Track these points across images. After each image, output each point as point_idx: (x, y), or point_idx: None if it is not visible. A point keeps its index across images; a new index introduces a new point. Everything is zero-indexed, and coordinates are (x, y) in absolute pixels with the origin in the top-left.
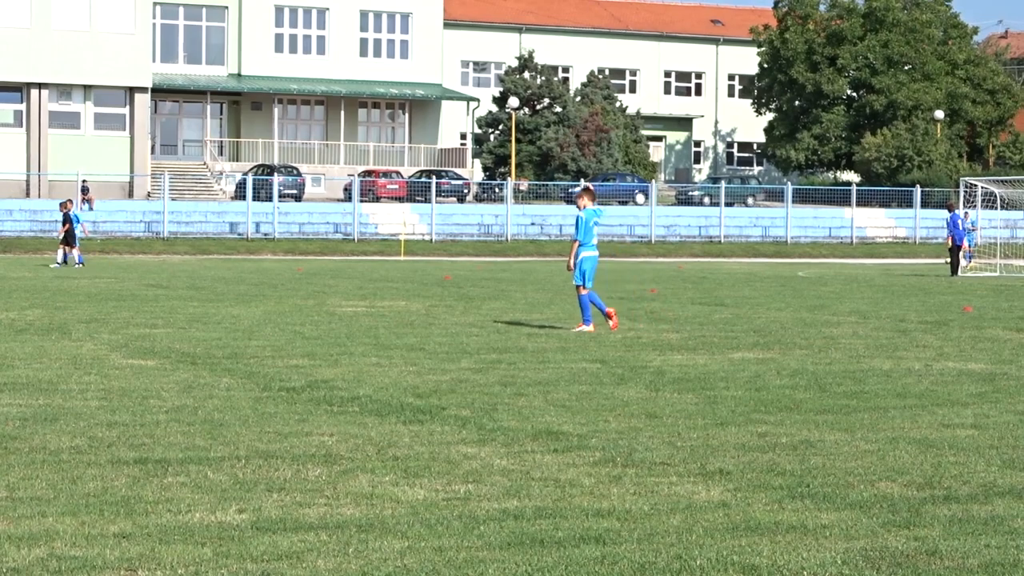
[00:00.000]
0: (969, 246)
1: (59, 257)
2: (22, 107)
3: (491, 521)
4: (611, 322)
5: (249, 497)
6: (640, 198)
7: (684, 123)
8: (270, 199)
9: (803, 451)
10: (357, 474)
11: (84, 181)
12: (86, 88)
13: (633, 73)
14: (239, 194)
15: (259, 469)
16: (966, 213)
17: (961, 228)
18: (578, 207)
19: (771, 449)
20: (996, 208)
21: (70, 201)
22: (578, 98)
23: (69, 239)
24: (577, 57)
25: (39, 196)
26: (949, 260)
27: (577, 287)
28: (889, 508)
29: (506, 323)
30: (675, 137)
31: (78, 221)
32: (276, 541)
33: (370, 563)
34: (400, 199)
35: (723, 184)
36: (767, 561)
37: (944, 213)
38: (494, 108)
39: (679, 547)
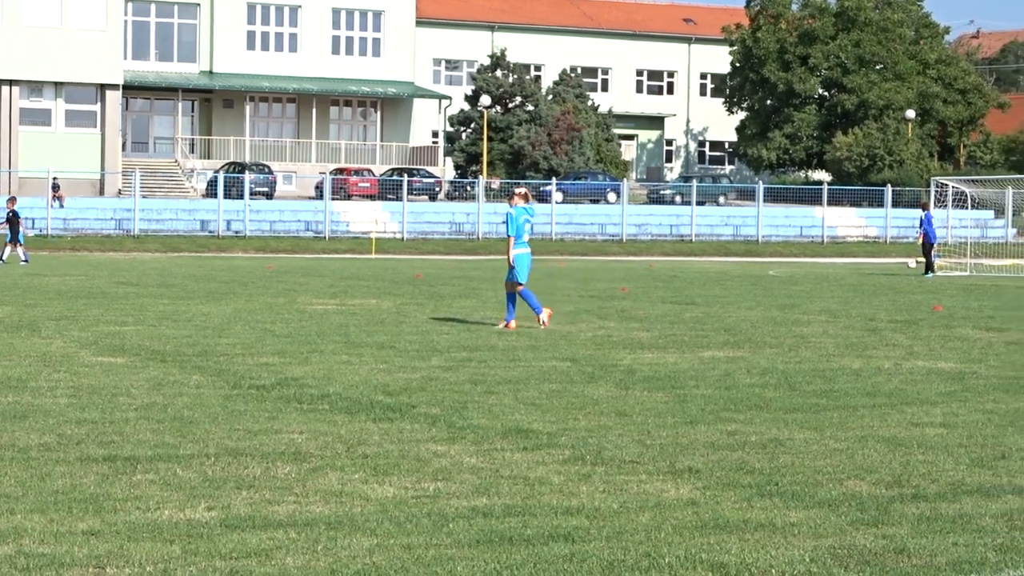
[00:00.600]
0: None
1: (4, 255)
2: None
3: (460, 519)
4: (505, 324)
5: (218, 495)
6: (612, 197)
7: (656, 122)
8: (241, 197)
9: (772, 449)
10: (326, 472)
11: (55, 178)
12: (57, 85)
13: (605, 72)
14: (210, 192)
15: (228, 467)
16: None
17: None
18: (510, 204)
19: (740, 447)
20: (967, 208)
21: (14, 199)
22: (550, 96)
23: (14, 237)
24: (549, 55)
25: (9, 193)
26: (924, 259)
27: (514, 284)
28: (857, 506)
29: (441, 319)
30: (647, 136)
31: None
32: (245, 539)
33: (339, 561)
34: (371, 197)
35: (695, 183)
36: (736, 559)
37: (918, 212)
38: (466, 106)
39: (648, 545)
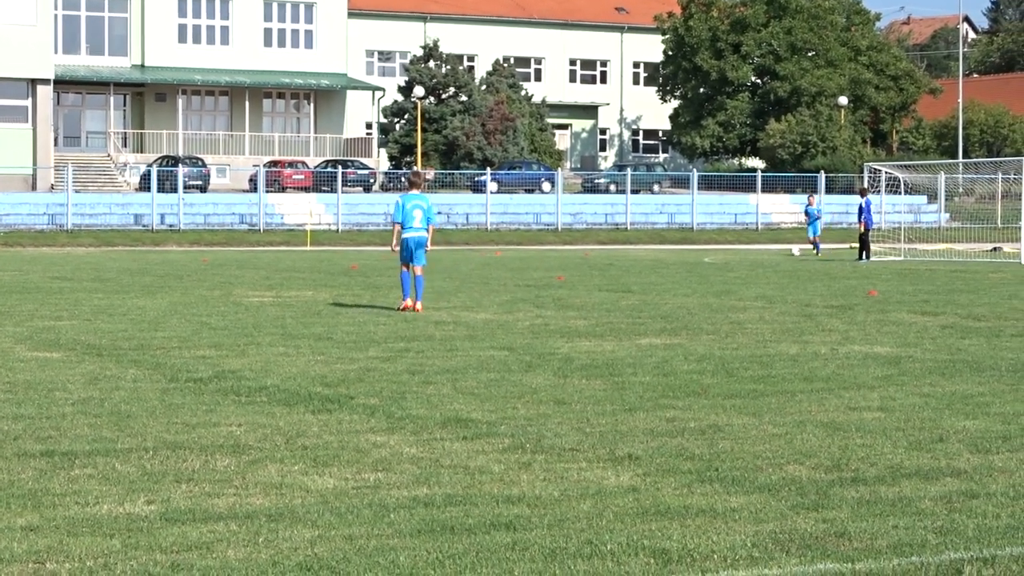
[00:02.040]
0: (816, 235)
1: None
2: None
3: (401, 509)
4: (403, 304)
5: (157, 488)
6: (546, 186)
7: (589, 111)
8: (175, 190)
9: (711, 435)
10: (266, 464)
11: None
12: None
13: (538, 61)
14: (144, 186)
15: (167, 460)
16: (811, 198)
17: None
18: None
19: (679, 434)
20: (900, 193)
21: None
22: (483, 87)
23: None
24: (482, 46)
25: None
26: (858, 245)
27: (404, 266)
28: (797, 491)
29: (336, 305)
30: (581, 125)
31: None
32: (185, 532)
33: (280, 553)
34: (306, 189)
35: (629, 172)
36: (677, 545)
37: (852, 198)
38: (399, 97)
39: (589, 532)
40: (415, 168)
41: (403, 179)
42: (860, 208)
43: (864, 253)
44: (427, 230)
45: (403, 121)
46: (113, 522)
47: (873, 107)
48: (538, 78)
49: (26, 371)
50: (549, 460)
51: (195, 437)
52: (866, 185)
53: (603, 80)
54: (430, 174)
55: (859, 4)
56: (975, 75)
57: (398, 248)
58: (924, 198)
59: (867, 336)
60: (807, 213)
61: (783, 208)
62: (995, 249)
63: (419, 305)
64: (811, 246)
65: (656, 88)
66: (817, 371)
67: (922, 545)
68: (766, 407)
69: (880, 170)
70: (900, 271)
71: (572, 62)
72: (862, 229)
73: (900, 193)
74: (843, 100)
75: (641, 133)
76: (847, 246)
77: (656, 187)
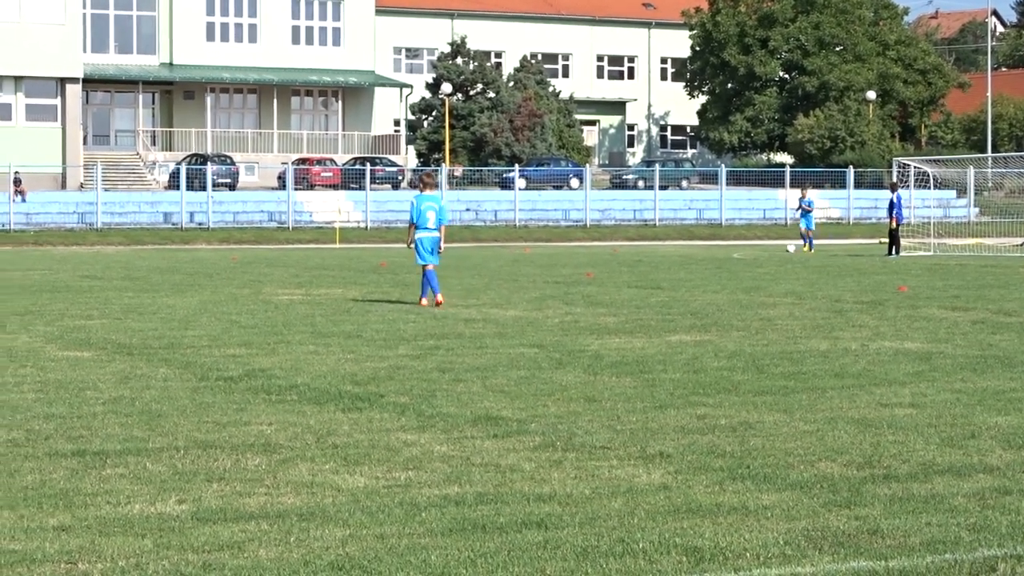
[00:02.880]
0: (810, 228)
1: None
2: None
3: (432, 508)
4: (436, 300)
5: (189, 488)
6: (574, 182)
7: (617, 107)
8: (204, 188)
9: (742, 432)
10: (297, 463)
11: (16, 173)
12: (17, 79)
13: (566, 58)
14: (173, 184)
15: (198, 459)
16: (804, 190)
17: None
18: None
19: (710, 431)
20: (929, 188)
21: None
22: (511, 83)
23: None
24: (509, 42)
25: None
26: (888, 240)
27: (422, 266)
28: (829, 488)
29: (365, 302)
30: (608, 121)
31: None
32: (217, 531)
33: (312, 552)
34: (334, 187)
35: (657, 167)
36: (709, 543)
37: (881, 193)
38: (427, 94)
39: (621, 530)
40: (427, 169)
41: (508, 179)
42: (891, 203)
43: (894, 248)
44: (439, 230)
45: (431, 118)
46: (145, 522)
47: (901, 101)
48: (566, 74)
49: (57, 370)
50: (580, 458)
51: (226, 436)
52: (895, 180)
53: (631, 76)
54: (458, 171)
55: None
56: (1003, 69)
57: (413, 245)
58: (953, 193)
59: (898, 332)
60: (802, 204)
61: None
62: None
63: (424, 300)
64: (803, 240)
65: (684, 83)
66: (848, 367)
67: (955, 542)
68: (797, 404)
69: (909, 165)
70: (930, 266)
71: (600, 58)
72: (893, 224)
73: (929, 188)
74: (871, 95)
75: (669, 129)
76: (876, 241)
77: (684, 183)
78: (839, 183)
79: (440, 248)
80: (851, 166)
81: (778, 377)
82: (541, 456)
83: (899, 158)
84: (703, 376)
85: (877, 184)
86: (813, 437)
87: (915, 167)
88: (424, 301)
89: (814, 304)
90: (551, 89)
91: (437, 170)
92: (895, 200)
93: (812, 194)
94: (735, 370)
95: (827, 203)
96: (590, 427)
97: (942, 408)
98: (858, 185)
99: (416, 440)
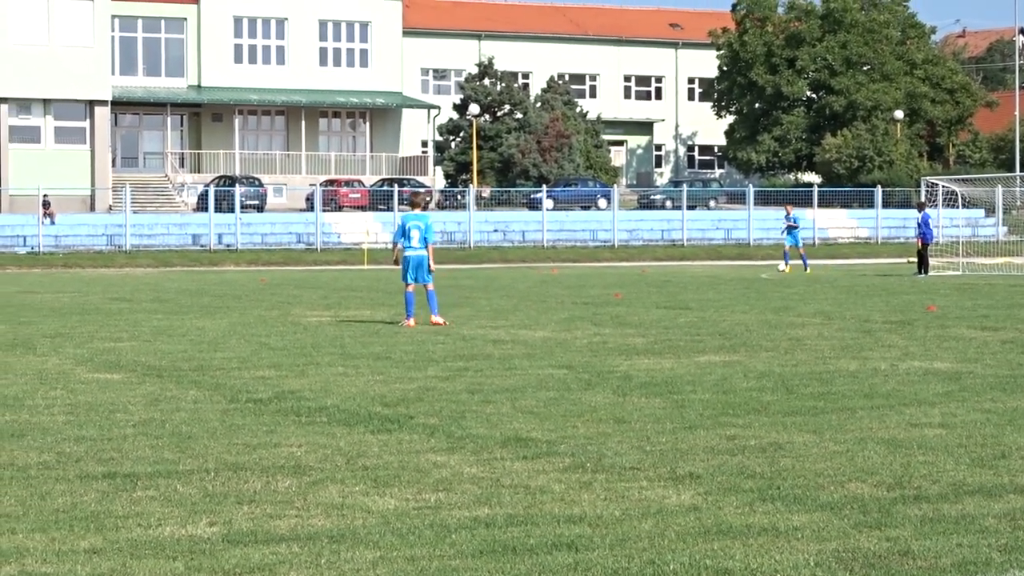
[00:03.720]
0: (797, 246)
1: None
2: None
3: (463, 529)
4: (406, 323)
5: (219, 510)
6: (602, 203)
7: (645, 127)
8: (232, 210)
9: (772, 453)
10: (327, 485)
11: (45, 195)
12: (46, 102)
13: (593, 78)
14: (201, 206)
15: (228, 481)
16: (788, 207)
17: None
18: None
19: (740, 452)
20: (957, 207)
21: None
22: (538, 104)
23: None
24: (537, 63)
25: (0, 211)
26: (916, 260)
27: (405, 285)
28: (860, 509)
29: (394, 324)
30: (636, 141)
31: None
32: (247, 554)
33: (343, 574)
34: (362, 208)
35: (685, 187)
36: (740, 564)
37: (909, 212)
38: (455, 115)
39: (652, 552)
40: (415, 188)
41: (535, 200)
42: (918, 222)
43: (923, 268)
44: (426, 248)
45: (458, 139)
46: (176, 544)
47: (929, 121)
48: (593, 95)
49: (87, 392)
50: (610, 479)
51: (256, 458)
52: (923, 199)
53: (658, 96)
54: (486, 191)
55: (914, 17)
56: None
57: (399, 265)
58: (982, 212)
59: (927, 352)
60: (787, 221)
61: (840, 223)
62: None
63: (435, 318)
64: (786, 260)
65: (711, 103)
66: (877, 387)
67: (986, 563)
68: (827, 424)
69: (937, 184)
70: (959, 285)
71: (627, 78)
72: (920, 244)
73: (957, 207)
74: (899, 114)
75: (696, 149)
76: (904, 260)
77: (712, 203)
78: (867, 203)
79: (430, 267)
80: (879, 185)
81: (807, 397)
82: (571, 477)
83: (927, 177)
84: (732, 397)
85: (905, 204)
86: (843, 458)
87: (943, 186)
88: (411, 321)
89: (843, 324)
90: (578, 109)
91: (450, 191)
92: (922, 219)
93: (791, 208)
94: (764, 391)
95: (855, 223)
96: (620, 448)
97: (972, 428)
98: (886, 204)
99: (446, 462)
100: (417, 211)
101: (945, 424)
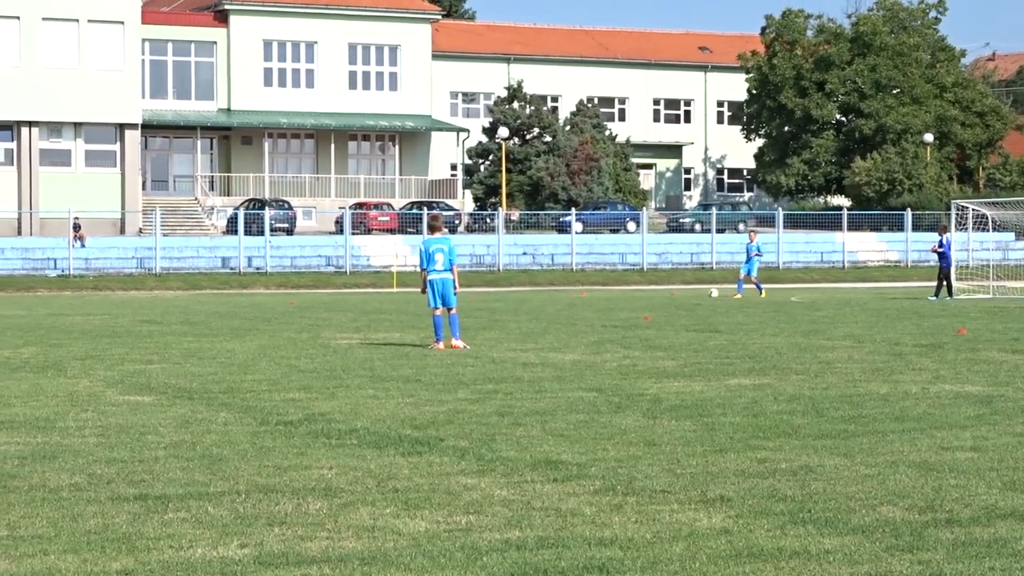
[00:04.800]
0: (750, 275)
1: None
2: (12, 145)
3: (494, 552)
4: (435, 346)
5: (250, 532)
6: (631, 226)
7: (674, 150)
8: (262, 233)
9: (803, 476)
10: (358, 507)
11: (76, 218)
12: (76, 125)
13: (622, 101)
14: (231, 229)
15: (259, 503)
16: (751, 234)
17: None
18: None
19: (771, 475)
20: (988, 230)
21: None
22: (567, 127)
23: None
24: (566, 86)
25: (31, 234)
26: (943, 283)
27: (432, 310)
28: (892, 532)
29: (423, 346)
30: (665, 164)
31: None
32: (279, 575)
33: None
34: (391, 231)
35: (714, 211)
36: None
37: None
38: (484, 138)
39: (683, 575)
40: (434, 211)
41: (564, 223)
42: (940, 244)
43: (944, 290)
44: (451, 271)
45: (488, 162)
46: (207, 566)
47: (959, 144)
48: (622, 118)
49: (118, 415)
50: (640, 502)
51: (287, 480)
52: (952, 222)
53: (687, 119)
54: (515, 215)
55: (944, 41)
56: None
57: (426, 291)
58: (1012, 235)
59: (958, 375)
60: (749, 250)
61: (870, 246)
62: None
63: (456, 342)
64: (740, 286)
65: (740, 127)
66: (908, 411)
67: None
68: (858, 447)
69: (967, 207)
70: (989, 309)
71: (656, 101)
72: (943, 267)
73: (988, 230)
74: (929, 137)
75: (726, 172)
76: (716, 290)
77: (741, 226)
78: (897, 226)
79: (455, 289)
80: (909, 209)
81: (838, 421)
82: (601, 500)
83: (957, 200)
84: (763, 420)
85: (934, 227)
86: (874, 481)
87: (973, 209)
88: (441, 344)
89: (873, 347)
90: (607, 133)
91: (479, 214)
92: (943, 242)
93: (755, 236)
94: (795, 414)
95: (885, 246)
96: (650, 471)
97: (1004, 452)
98: (916, 228)
99: (476, 484)
100: (438, 234)
101: (977, 447)
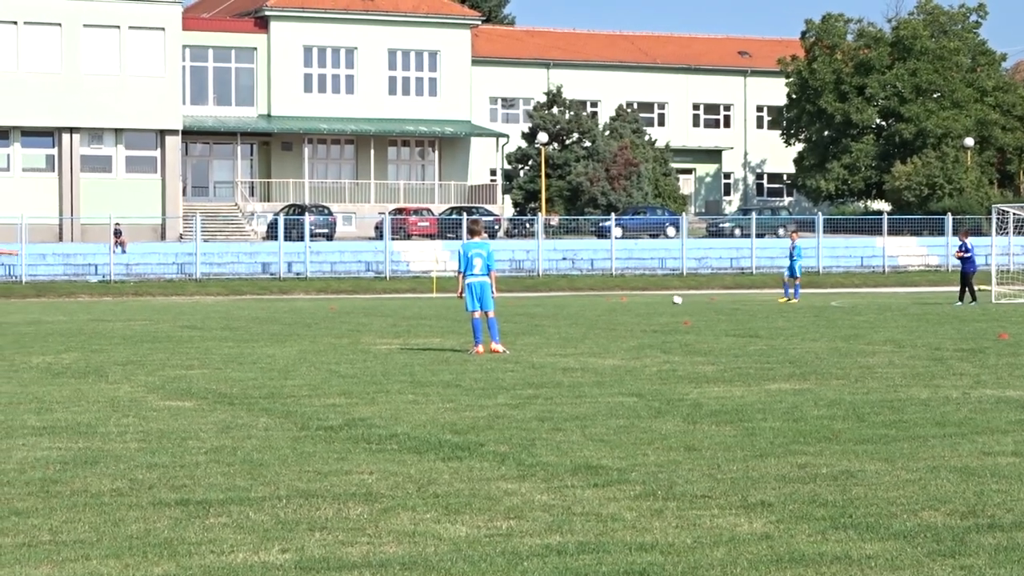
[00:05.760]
0: (795, 276)
1: None
2: (54, 152)
3: (534, 557)
4: (475, 350)
5: (291, 537)
6: (671, 231)
7: (713, 155)
8: (302, 239)
9: (844, 481)
10: (398, 512)
11: (117, 224)
12: (117, 131)
13: (661, 106)
14: (271, 234)
15: (300, 508)
16: (793, 235)
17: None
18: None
19: (812, 480)
20: None
21: None
22: (607, 132)
23: None
24: (605, 91)
25: (72, 240)
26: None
27: (471, 313)
28: (933, 537)
29: (463, 351)
30: (705, 169)
31: None
32: None
33: None
34: (431, 236)
35: (754, 215)
36: None
37: (986, 240)
38: (523, 144)
39: None
40: (474, 216)
41: (604, 228)
42: (963, 248)
43: (968, 295)
44: (488, 275)
45: (527, 167)
46: (248, 571)
47: (1000, 148)
48: (661, 123)
49: (159, 420)
50: (681, 507)
51: (327, 485)
52: (992, 227)
53: (727, 124)
54: (554, 220)
55: (984, 44)
56: None
57: (464, 295)
58: None
59: (999, 380)
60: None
61: (910, 250)
62: None
63: (496, 346)
64: (786, 290)
65: (780, 131)
66: (949, 416)
67: None
68: (899, 452)
69: (1008, 212)
70: None
71: (695, 106)
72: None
73: None
74: (969, 141)
75: (765, 177)
76: (678, 297)
77: (781, 231)
78: (937, 230)
79: (492, 293)
80: (949, 213)
81: (879, 426)
82: (642, 505)
83: (998, 205)
84: (803, 425)
85: (975, 231)
86: (916, 486)
87: (1014, 214)
88: (480, 348)
89: (914, 352)
90: (647, 138)
91: (519, 219)
92: (965, 247)
93: (796, 236)
94: (835, 419)
95: (925, 250)
96: (690, 476)
97: None
98: (956, 232)
99: (517, 489)
100: (477, 239)
101: (1018, 452)
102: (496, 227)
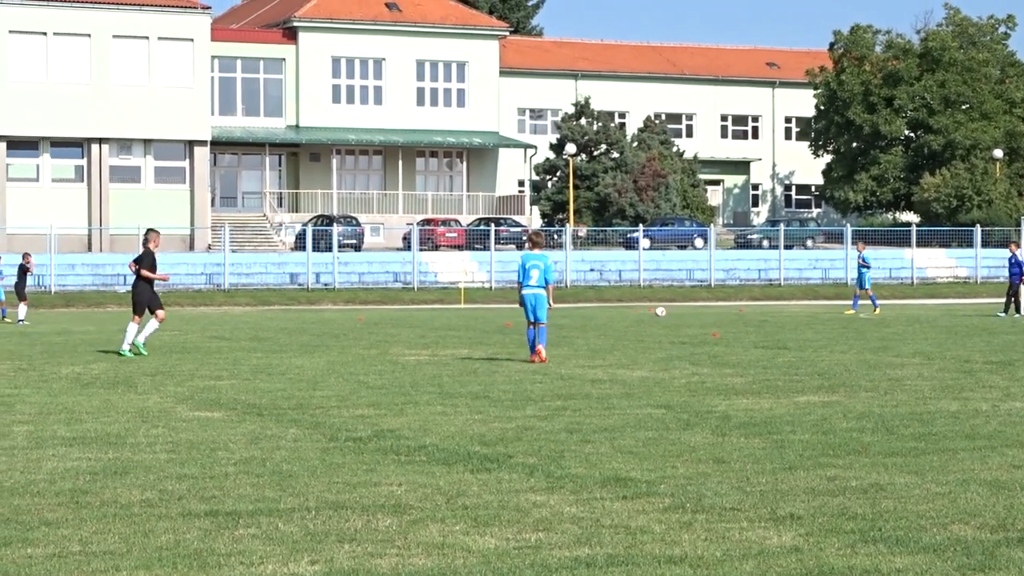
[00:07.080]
0: (865, 288)
1: (20, 313)
2: (83, 162)
3: (563, 569)
4: (533, 357)
5: (321, 548)
6: (699, 242)
7: (742, 166)
8: (330, 249)
9: (873, 494)
10: (427, 523)
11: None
12: (146, 142)
13: (689, 117)
14: (299, 245)
15: (329, 520)
16: (860, 245)
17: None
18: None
19: (841, 493)
20: None
21: (29, 255)
22: (635, 143)
23: (20, 293)
24: (633, 102)
25: (101, 250)
26: (1005, 300)
27: (529, 323)
28: (963, 551)
29: (491, 362)
30: (733, 181)
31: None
32: None
33: None
34: (459, 247)
35: (782, 227)
36: None
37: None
38: (551, 155)
39: None
40: (535, 227)
41: (632, 239)
42: (1010, 262)
43: (1014, 307)
44: (545, 288)
45: (555, 178)
46: None
47: None
48: (689, 134)
49: (188, 431)
50: (710, 519)
51: (356, 497)
52: (1022, 238)
53: (755, 135)
54: (582, 231)
55: (1013, 56)
56: None
57: (523, 305)
58: None
59: None
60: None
61: (939, 262)
62: None
63: (540, 346)
64: (858, 303)
65: (808, 143)
66: (979, 428)
67: None
68: (928, 465)
69: None
70: None
71: (724, 118)
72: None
73: None
74: (998, 153)
75: (794, 188)
76: (662, 309)
77: (809, 242)
78: (966, 242)
79: (549, 305)
80: (978, 225)
81: (908, 438)
82: (671, 518)
83: None
84: (832, 437)
85: (1004, 243)
86: (945, 499)
87: None
88: (535, 357)
89: (943, 364)
90: (675, 149)
91: (547, 230)
92: (1013, 260)
93: (863, 246)
94: (864, 431)
95: (954, 262)
96: (719, 488)
97: None
98: (985, 244)
99: (545, 501)
100: (537, 251)
101: None
102: (524, 238)
